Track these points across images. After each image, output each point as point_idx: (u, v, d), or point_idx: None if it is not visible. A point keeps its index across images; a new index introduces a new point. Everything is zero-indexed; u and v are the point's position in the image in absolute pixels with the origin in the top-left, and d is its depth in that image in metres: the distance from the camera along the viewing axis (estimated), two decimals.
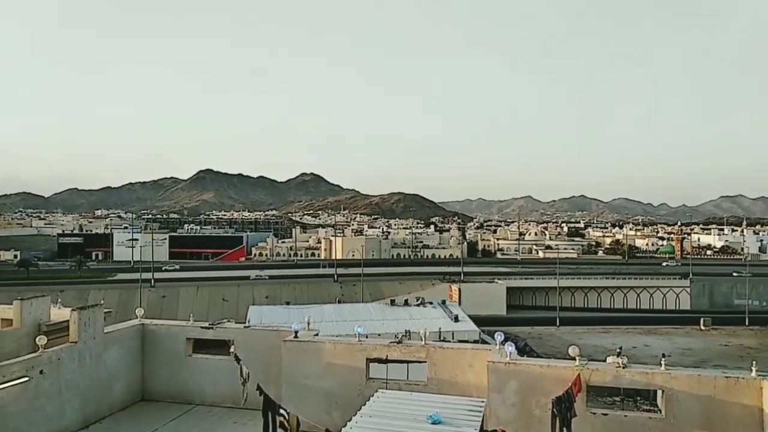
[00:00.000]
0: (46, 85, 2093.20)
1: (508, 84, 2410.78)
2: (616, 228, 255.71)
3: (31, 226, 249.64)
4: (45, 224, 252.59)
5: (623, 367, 9.29)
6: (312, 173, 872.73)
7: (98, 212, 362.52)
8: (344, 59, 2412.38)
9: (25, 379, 10.29)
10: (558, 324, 76.60)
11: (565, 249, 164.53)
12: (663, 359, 9.36)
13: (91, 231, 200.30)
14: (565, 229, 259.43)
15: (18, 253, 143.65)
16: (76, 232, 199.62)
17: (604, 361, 9.75)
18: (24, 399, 10.31)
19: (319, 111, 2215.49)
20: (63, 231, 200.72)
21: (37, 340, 11.02)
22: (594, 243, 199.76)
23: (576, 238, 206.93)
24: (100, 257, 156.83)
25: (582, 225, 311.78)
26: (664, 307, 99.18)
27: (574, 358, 9.48)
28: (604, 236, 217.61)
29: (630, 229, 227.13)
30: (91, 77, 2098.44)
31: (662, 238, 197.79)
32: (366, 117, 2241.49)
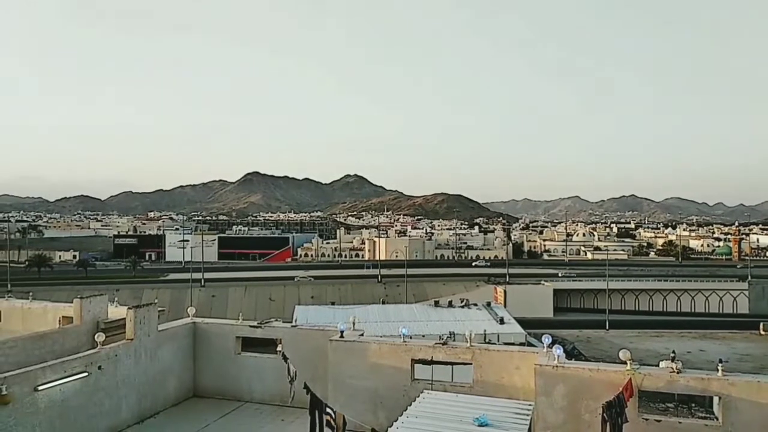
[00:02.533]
0: (100, 94, 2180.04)
1: (553, 82, 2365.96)
2: (669, 228, 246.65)
3: (89, 228, 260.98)
4: (102, 226, 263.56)
5: (677, 372, 8.98)
6: (356, 174, 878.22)
7: (151, 214, 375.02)
8: (385, 58, 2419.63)
9: (85, 374, 10.74)
10: (607, 327, 74.52)
11: (615, 250, 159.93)
12: (720, 365, 8.99)
13: (145, 232, 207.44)
14: (615, 229, 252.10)
15: (77, 253, 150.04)
16: (130, 233, 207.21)
17: (657, 365, 9.45)
18: (84, 393, 10.76)
19: (364, 112, 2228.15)
20: (118, 232, 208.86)
21: (95, 337, 11.50)
22: (645, 244, 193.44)
23: (626, 239, 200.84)
24: (153, 257, 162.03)
25: (632, 225, 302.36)
26: (721, 311, 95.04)
27: (625, 362, 9.23)
28: (656, 237, 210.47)
29: (684, 230, 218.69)
30: (144, 86, 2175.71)
31: (718, 239, 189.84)
32: (410, 117, 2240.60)
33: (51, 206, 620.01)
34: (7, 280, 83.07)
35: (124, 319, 12.46)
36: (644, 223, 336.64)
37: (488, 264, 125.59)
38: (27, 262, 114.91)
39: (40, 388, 9.81)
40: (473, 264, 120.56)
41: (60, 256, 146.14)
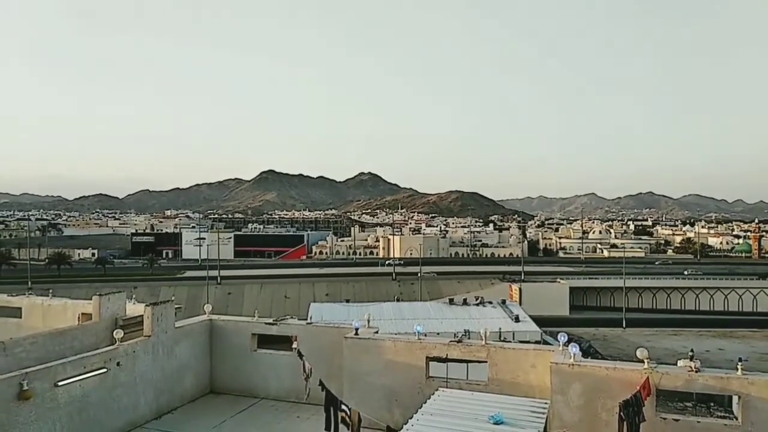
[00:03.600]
0: (118, 95, 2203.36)
1: (568, 79, 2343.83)
2: (687, 226, 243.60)
3: (107, 226, 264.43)
4: (120, 224, 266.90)
5: (696, 371, 8.87)
6: (370, 173, 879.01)
7: (168, 212, 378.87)
8: (399, 58, 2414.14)
9: (104, 370, 10.87)
10: (624, 325, 73.83)
11: (632, 248, 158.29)
12: (740, 363, 8.86)
13: (162, 230, 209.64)
14: (632, 227, 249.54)
15: (95, 251, 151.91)
16: (147, 231, 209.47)
17: (675, 364, 9.35)
18: (102, 389, 10.90)
19: (377, 111, 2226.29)
20: (136, 230, 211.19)
21: (114, 333, 11.63)
22: (663, 241, 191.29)
23: (643, 237, 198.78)
24: (170, 255, 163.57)
25: (650, 223, 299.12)
26: (740, 309, 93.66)
27: (642, 361, 9.14)
28: (673, 234, 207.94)
29: (702, 227, 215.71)
30: (161, 87, 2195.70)
31: (738, 236, 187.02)
32: (423, 115, 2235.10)
33: (70, 205, 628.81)
34: (27, 278, 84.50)
35: (142, 316, 12.61)
36: (662, 221, 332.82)
37: (401, 263, 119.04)
38: (47, 260, 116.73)
39: (60, 383, 9.96)
40: (386, 263, 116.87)
41: (79, 254, 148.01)
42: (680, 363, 9.23)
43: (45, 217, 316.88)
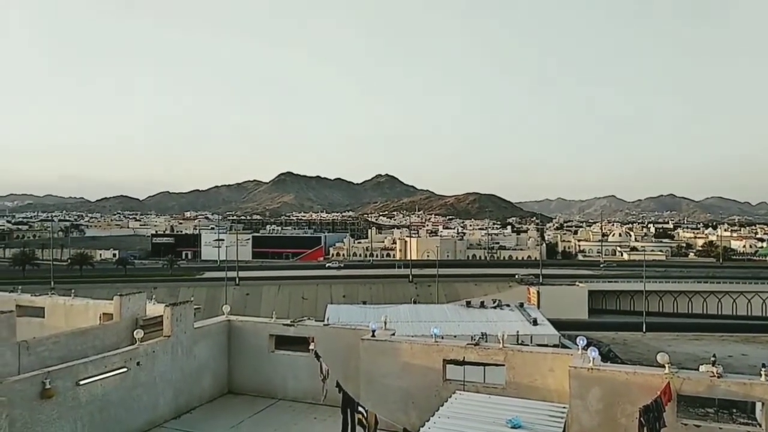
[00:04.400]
0: (139, 97, 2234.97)
1: (587, 80, 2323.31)
2: (709, 229, 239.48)
3: (128, 227, 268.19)
4: (140, 225, 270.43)
5: (718, 377, 8.72)
6: (387, 174, 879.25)
7: (188, 214, 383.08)
8: (417, 58, 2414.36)
9: (124, 369, 11.02)
10: (644, 330, 72.86)
11: (652, 251, 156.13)
12: (763, 369, 8.69)
13: (181, 232, 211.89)
14: (652, 229, 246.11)
15: (116, 252, 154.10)
16: (167, 232, 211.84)
17: (697, 369, 9.20)
18: (123, 388, 11.04)
19: (395, 112, 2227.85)
20: (156, 232, 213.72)
21: (134, 333, 11.78)
22: (684, 244, 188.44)
23: (664, 240, 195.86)
24: (189, 256, 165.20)
25: (671, 225, 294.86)
26: (764, 314, 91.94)
27: (663, 366, 9.01)
28: (695, 237, 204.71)
29: (725, 230, 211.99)
30: (180, 89, 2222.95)
31: (762, 240, 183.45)
32: (441, 117, 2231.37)
33: (92, 206, 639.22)
34: (50, 278, 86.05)
35: (162, 316, 12.75)
36: (683, 224, 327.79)
37: (341, 266, 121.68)
38: (69, 261, 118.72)
39: (81, 382, 10.10)
40: (326, 266, 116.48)
41: (100, 255, 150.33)
42: (702, 368, 9.07)
43: (68, 218, 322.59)
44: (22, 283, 27.32)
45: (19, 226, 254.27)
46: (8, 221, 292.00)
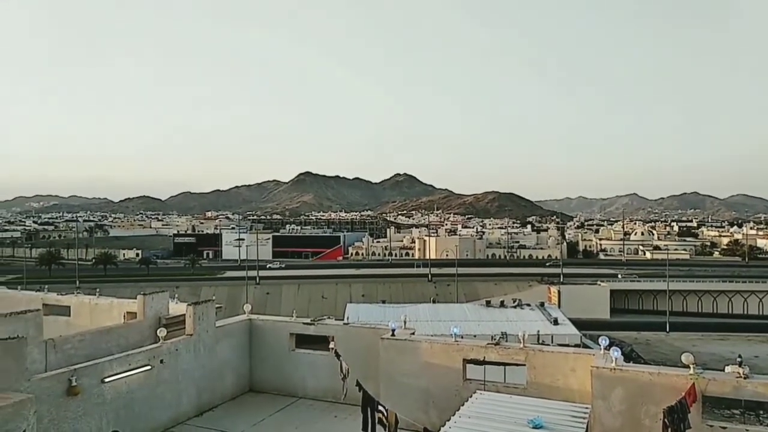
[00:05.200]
0: (160, 101, 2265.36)
1: (608, 75, 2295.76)
2: (734, 227, 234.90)
3: (151, 227, 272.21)
4: (162, 225, 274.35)
5: (744, 378, 8.57)
6: (405, 174, 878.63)
7: (209, 214, 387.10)
8: (435, 57, 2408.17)
9: (148, 367, 11.18)
10: (668, 330, 71.74)
11: (676, 249, 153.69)
12: None
13: (203, 231, 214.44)
14: (676, 228, 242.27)
15: (139, 251, 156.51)
16: (189, 232, 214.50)
17: (722, 370, 9.04)
18: (147, 386, 11.21)
19: (414, 112, 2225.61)
20: (178, 231, 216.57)
21: (158, 332, 11.94)
22: (709, 243, 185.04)
23: (688, 238, 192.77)
24: (210, 256, 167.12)
25: (695, 224, 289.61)
26: None
27: (687, 366, 8.87)
28: (720, 236, 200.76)
29: (750, 228, 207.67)
30: (201, 91, 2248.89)
31: None
32: (459, 114, 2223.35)
33: (116, 206, 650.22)
34: (76, 277, 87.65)
35: (184, 315, 12.89)
36: (707, 222, 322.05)
37: (283, 266, 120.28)
38: (94, 260, 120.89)
39: (106, 380, 10.28)
40: (267, 267, 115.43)
41: (124, 255, 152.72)
42: (728, 369, 8.91)
43: (92, 219, 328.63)
44: (48, 283, 27.94)
45: (45, 227, 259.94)
46: (35, 222, 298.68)
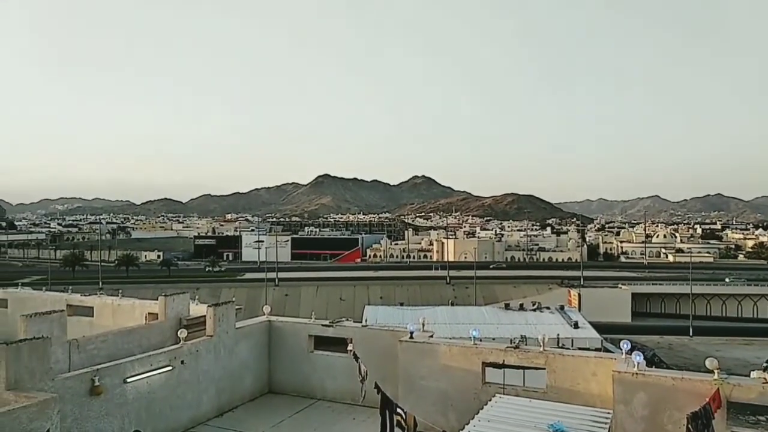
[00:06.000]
0: (181, 105, 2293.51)
1: (631, 75, 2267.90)
2: (760, 229, 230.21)
3: (172, 229, 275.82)
4: (183, 227, 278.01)
5: None
6: (423, 176, 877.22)
7: (228, 216, 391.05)
8: (455, 59, 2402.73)
9: (169, 368, 11.30)
10: (691, 334, 70.52)
11: (699, 252, 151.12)
12: None
13: (223, 233, 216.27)
14: (699, 230, 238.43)
15: (161, 253, 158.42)
16: (209, 234, 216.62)
17: (748, 375, 8.86)
18: (168, 386, 11.33)
19: (431, 114, 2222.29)
20: (198, 233, 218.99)
21: (179, 333, 12.07)
22: (733, 246, 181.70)
23: (712, 241, 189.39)
24: (230, 257, 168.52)
25: (719, 226, 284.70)
26: None
27: (712, 371, 8.71)
28: (744, 238, 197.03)
29: None
30: (220, 95, 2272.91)
31: None
32: (477, 116, 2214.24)
33: (137, 209, 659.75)
34: (99, 278, 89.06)
35: (205, 316, 13.01)
36: (732, 224, 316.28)
37: (221, 269, 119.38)
38: (116, 262, 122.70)
39: (128, 380, 10.41)
40: (206, 269, 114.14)
41: (145, 256, 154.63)
42: (753, 374, 8.73)
43: (114, 221, 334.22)
44: (72, 284, 28.44)
45: (69, 229, 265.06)
46: (59, 224, 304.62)
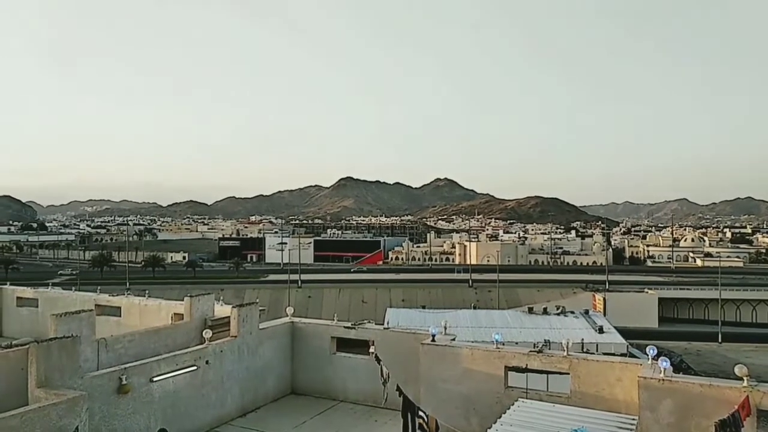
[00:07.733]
0: (206, 108, 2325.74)
1: (656, 75, 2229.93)
2: None
3: (197, 231, 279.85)
4: (208, 229, 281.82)
5: None
6: (446, 178, 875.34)
7: (252, 218, 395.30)
8: (480, 62, 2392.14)
9: (194, 368, 11.45)
10: (720, 340, 69.03)
11: (728, 257, 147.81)
12: None
13: (247, 235, 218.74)
14: (728, 234, 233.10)
15: (186, 254, 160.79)
16: (233, 236, 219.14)
17: None
18: (193, 386, 11.48)
19: (452, 116, 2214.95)
20: (223, 235, 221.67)
21: (203, 333, 12.22)
22: (764, 250, 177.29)
23: (741, 245, 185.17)
24: (254, 259, 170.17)
25: (749, 230, 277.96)
26: None
27: (741, 378, 8.52)
28: None
29: None
30: (245, 97, 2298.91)
31: None
32: (501, 118, 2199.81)
33: (164, 211, 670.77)
34: (126, 279, 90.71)
35: (229, 317, 13.15)
36: (763, 228, 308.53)
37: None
38: (143, 263, 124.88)
39: (155, 379, 10.59)
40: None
41: (171, 257, 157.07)
42: None
43: (141, 223, 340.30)
44: (100, 284, 29.02)
45: (98, 230, 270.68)
46: (88, 225, 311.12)
